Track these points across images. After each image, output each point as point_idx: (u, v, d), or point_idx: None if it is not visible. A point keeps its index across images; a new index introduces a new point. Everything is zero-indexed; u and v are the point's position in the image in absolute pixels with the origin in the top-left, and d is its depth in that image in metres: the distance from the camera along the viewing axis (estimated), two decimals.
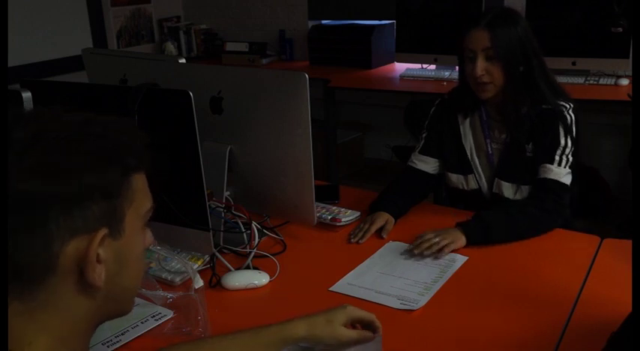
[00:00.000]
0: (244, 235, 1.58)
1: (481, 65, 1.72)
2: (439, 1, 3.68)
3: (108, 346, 1.20)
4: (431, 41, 3.63)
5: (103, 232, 0.70)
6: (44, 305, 0.70)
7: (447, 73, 3.46)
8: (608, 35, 3.15)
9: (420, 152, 1.93)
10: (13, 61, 3.33)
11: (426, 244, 1.55)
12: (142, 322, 1.28)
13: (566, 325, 1.24)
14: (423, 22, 3.72)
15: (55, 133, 0.69)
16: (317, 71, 3.80)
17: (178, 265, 1.46)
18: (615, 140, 3.45)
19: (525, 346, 1.19)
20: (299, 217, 1.63)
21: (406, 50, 3.76)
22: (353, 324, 1.13)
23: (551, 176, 1.71)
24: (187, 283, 1.40)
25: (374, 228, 1.67)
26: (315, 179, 1.52)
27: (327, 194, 1.89)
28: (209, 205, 1.49)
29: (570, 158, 1.73)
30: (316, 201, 1.57)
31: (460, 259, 1.54)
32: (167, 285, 1.43)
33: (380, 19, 4.09)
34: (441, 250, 1.54)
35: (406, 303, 1.35)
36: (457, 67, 1.89)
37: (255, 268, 1.49)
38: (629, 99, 2.88)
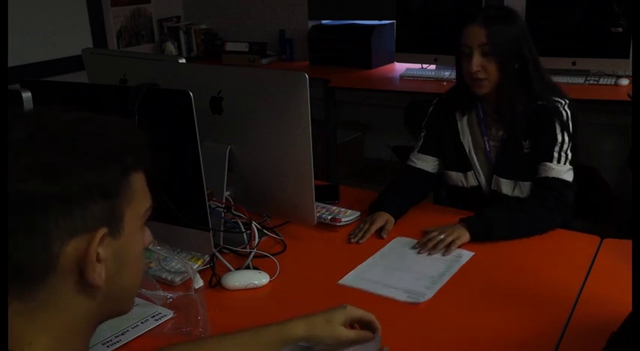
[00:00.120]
0: (244, 235, 1.58)
1: (477, 61, 1.73)
2: (439, 1, 3.68)
3: (108, 346, 1.20)
4: (431, 41, 3.63)
5: (103, 231, 0.70)
6: (44, 305, 0.70)
7: (447, 73, 3.46)
8: (608, 35, 3.14)
9: (419, 151, 1.94)
10: (13, 61, 3.33)
11: (432, 243, 1.58)
12: (142, 322, 1.28)
13: (566, 325, 1.24)
14: (423, 22, 3.72)
15: (53, 132, 0.69)
16: (317, 71, 3.80)
17: (178, 265, 1.46)
18: (615, 140, 3.46)
19: (525, 346, 1.19)
20: (299, 217, 1.63)
21: (406, 50, 3.76)
22: (352, 324, 1.13)
23: (552, 174, 1.71)
24: (187, 283, 1.40)
25: (374, 228, 1.67)
26: (315, 179, 1.52)
27: (327, 194, 1.89)
28: (209, 205, 1.49)
29: (569, 154, 1.73)
30: (316, 201, 1.57)
31: (466, 255, 1.56)
32: (167, 285, 1.43)
33: (380, 19, 4.09)
34: (447, 247, 1.57)
35: (413, 296, 1.37)
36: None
37: (255, 268, 1.49)
38: (629, 99, 2.88)
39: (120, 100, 1.43)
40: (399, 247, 1.63)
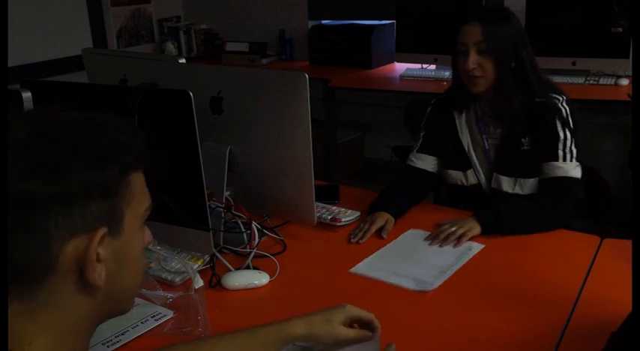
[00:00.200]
0: (244, 235, 1.58)
1: (473, 59, 1.75)
2: (439, 1, 3.68)
3: (108, 346, 1.20)
4: (431, 41, 3.63)
5: (103, 231, 0.70)
6: (44, 305, 0.70)
7: (447, 73, 3.46)
8: (608, 35, 3.14)
9: (418, 151, 1.95)
10: (13, 61, 3.33)
11: (443, 235, 1.62)
12: (142, 322, 1.28)
13: (566, 325, 1.24)
14: (423, 22, 3.72)
15: (53, 132, 0.69)
16: (317, 71, 3.80)
17: (178, 265, 1.46)
18: (615, 140, 3.46)
19: (525, 346, 1.19)
20: (299, 217, 1.63)
21: (406, 50, 3.76)
22: (351, 323, 1.13)
23: (561, 173, 1.73)
24: (187, 283, 1.40)
25: (374, 228, 1.67)
26: (315, 179, 1.52)
27: (327, 194, 1.89)
28: (209, 205, 1.49)
29: (574, 150, 1.75)
30: (316, 201, 1.57)
31: (476, 247, 1.59)
32: (167, 285, 1.43)
33: (380, 19, 4.09)
34: (458, 239, 1.61)
35: (420, 284, 1.42)
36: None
37: (255, 268, 1.49)
38: (629, 99, 2.88)
39: (120, 100, 1.43)
40: (411, 238, 1.67)
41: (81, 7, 4.12)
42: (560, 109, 1.77)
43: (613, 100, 3.05)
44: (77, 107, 0.74)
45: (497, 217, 1.65)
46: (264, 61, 4.36)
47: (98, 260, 0.70)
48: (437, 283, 1.42)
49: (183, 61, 1.71)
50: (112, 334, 1.23)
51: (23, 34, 3.63)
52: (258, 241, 1.55)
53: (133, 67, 1.73)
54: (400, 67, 3.85)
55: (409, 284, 1.42)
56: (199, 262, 1.49)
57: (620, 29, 3.10)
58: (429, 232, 1.68)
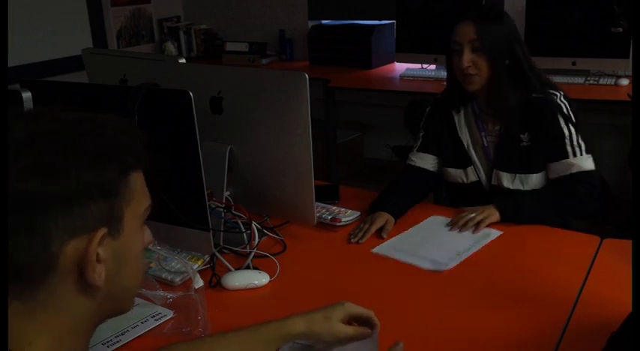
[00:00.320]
0: (244, 235, 1.58)
1: (467, 57, 1.76)
2: (439, 1, 3.68)
3: (108, 346, 1.20)
4: (431, 41, 3.63)
5: (103, 231, 0.70)
6: (44, 305, 0.70)
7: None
8: (608, 35, 3.14)
9: (418, 150, 1.96)
10: (13, 61, 3.33)
11: (462, 221, 1.68)
12: (142, 322, 1.28)
13: (566, 325, 1.24)
14: (423, 22, 3.72)
15: (53, 132, 0.69)
16: (317, 71, 3.80)
17: (178, 265, 1.46)
18: (615, 140, 3.45)
19: (525, 346, 1.19)
20: (299, 217, 1.63)
21: (406, 50, 3.76)
22: (350, 321, 1.13)
23: (574, 170, 1.76)
24: (187, 283, 1.40)
25: (374, 228, 1.67)
26: (315, 179, 1.52)
27: (327, 194, 1.89)
28: (209, 205, 1.49)
29: (582, 143, 1.77)
30: (316, 201, 1.57)
31: (494, 233, 1.65)
32: (167, 285, 1.43)
33: (380, 19, 4.09)
34: (477, 225, 1.66)
35: (436, 265, 1.49)
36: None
37: (255, 268, 1.49)
38: (629, 99, 2.88)
39: (120, 100, 1.43)
40: (433, 224, 1.74)
41: (81, 7, 4.12)
42: (560, 105, 1.78)
43: (613, 100, 3.05)
44: (77, 107, 0.74)
45: (517, 206, 1.69)
46: (264, 61, 4.36)
47: (98, 260, 0.70)
48: (452, 264, 1.49)
49: (183, 61, 1.71)
50: (112, 334, 1.23)
51: (23, 34, 3.63)
52: (258, 241, 1.55)
53: (133, 67, 1.73)
54: (400, 67, 3.85)
55: (426, 264, 1.50)
56: (199, 262, 1.49)
57: (620, 29, 3.10)
58: (449, 219, 1.73)
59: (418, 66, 3.74)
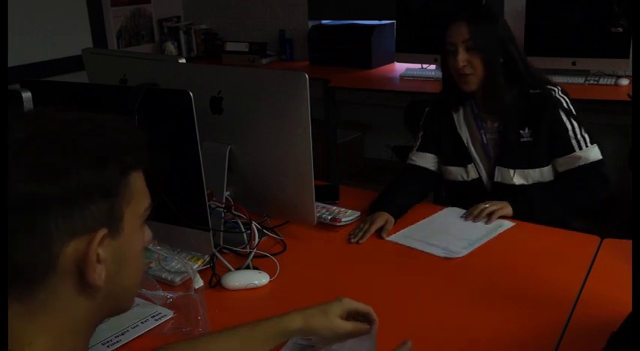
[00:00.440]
0: (244, 235, 1.58)
1: (462, 57, 1.79)
2: (439, 1, 3.68)
3: (108, 346, 1.20)
4: (431, 41, 3.63)
5: (103, 232, 0.70)
6: (44, 306, 0.69)
7: None
8: (608, 35, 3.14)
9: (418, 150, 1.98)
10: (13, 61, 3.33)
11: (477, 211, 1.72)
12: (142, 322, 1.28)
13: (566, 325, 1.24)
14: (423, 22, 3.72)
15: (53, 132, 0.69)
16: (317, 71, 3.80)
17: (178, 265, 1.46)
18: (615, 140, 3.45)
19: (525, 346, 1.19)
20: (299, 217, 1.63)
21: (406, 50, 3.76)
22: (349, 316, 1.13)
23: (581, 162, 1.79)
24: (187, 283, 1.40)
25: (374, 228, 1.67)
26: (315, 179, 1.52)
27: (327, 194, 1.89)
28: (209, 205, 1.49)
29: (586, 135, 1.80)
30: (316, 201, 1.57)
31: (507, 224, 1.70)
32: (167, 285, 1.43)
33: (380, 19, 4.09)
34: (489, 215, 1.70)
35: (448, 253, 1.55)
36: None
37: (255, 268, 1.49)
38: (629, 99, 2.88)
39: (120, 100, 1.43)
40: (448, 215, 1.79)
41: (81, 7, 4.12)
42: (560, 100, 1.81)
43: (613, 100, 3.05)
44: (77, 107, 0.74)
45: (530, 206, 1.72)
46: (264, 61, 4.36)
47: (98, 261, 0.70)
48: (464, 252, 1.54)
49: (183, 61, 1.70)
50: (112, 334, 1.23)
51: (23, 34, 3.63)
52: (258, 241, 1.55)
53: (133, 67, 1.73)
54: (400, 67, 3.85)
55: (438, 252, 1.55)
56: (199, 262, 1.49)
57: (620, 29, 3.10)
58: (464, 211, 1.77)
59: (418, 66, 3.74)
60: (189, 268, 1.36)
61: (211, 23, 4.83)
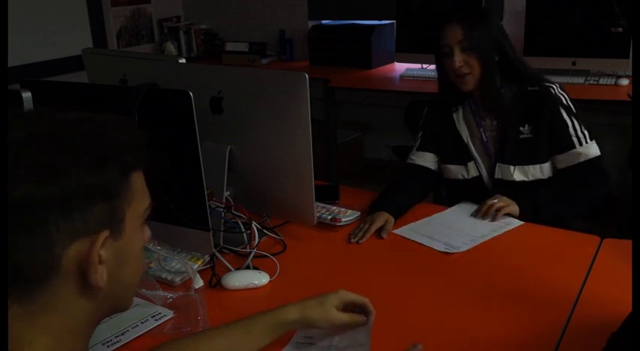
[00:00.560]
0: (244, 235, 1.58)
1: (458, 57, 1.80)
2: (439, 1, 3.67)
3: (108, 346, 1.20)
4: (431, 41, 3.60)
5: (105, 234, 0.70)
6: (44, 308, 0.69)
7: None
8: (608, 35, 3.14)
9: (417, 149, 1.98)
10: (13, 61, 3.33)
11: (485, 208, 1.73)
12: (142, 322, 1.28)
13: (566, 325, 1.24)
14: (423, 22, 3.72)
15: (53, 132, 0.69)
16: (317, 71, 3.80)
17: (178, 265, 1.46)
18: (615, 140, 3.45)
19: (525, 346, 1.19)
20: (299, 217, 1.63)
21: (406, 50, 3.76)
22: (345, 308, 1.15)
23: (582, 159, 1.81)
24: (187, 283, 1.40)
25: (374, 228, 1.67)
26: (315, 179, 1.52)
27: (327, 194, 1.89)
28: (209, 205, 1.49)
29: (585, 131, 1.82)
30: (316, 201, 1.57)
31: (515, 223, 1.71)
32: (167, 285, 1.43)
33: (380, 19, 4.09)
34: (497, 211, 1.71)
35: (449, 247, 1.57)
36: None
37: (255, 268, 1.49)
38: (629, 99, 2.88)
39: (120, 100, 1.43)
40: (459, 211, 1.80)
41: (81, 7, 4.12)
42: (560, 98, 1.83)
43: (613, 100, 3.05)
44: (77, 107, 0.74)
45: (534, 207, 1.74)
46: (264, 61, 4.36)
47: (100, 262, 0.70)
48: (464, 248, 1.56)
49: (183, 61, 1.70)
50: (112, 334, 1.23)
51: (23, 34, 3.63)
52: (258, 241, 1.55)
53: (133, 67, 1.73)
54: (400, 67, 3.85)
55: (439, 247, 1.58)
56: (199, 262, 1.49)
57: (620, 29, 3.10)
58: (475, 206, 1.78)
59: (418, 66, 3.73)
60: (189, 268, 1.36)
61: (211, 23, 4.83)
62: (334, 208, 1.80)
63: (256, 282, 1.43)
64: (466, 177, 1.92)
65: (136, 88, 1.43)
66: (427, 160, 1.96)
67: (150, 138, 0.76)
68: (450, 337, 1.23)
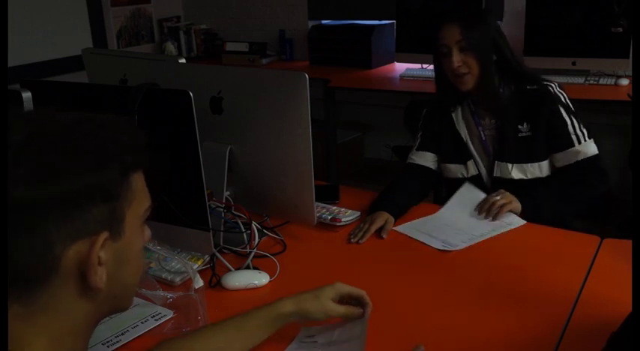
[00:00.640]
0: (244, 235, 1.58)
1: (457, 57, 1.81)
2: (439, 1, 3.68)
3: (108, 346, 1.20)
4: (431, 41, 3.63)
5: (105, 235, 0.70)
6: (44, 309, 0.69)
7: None
8: (608, 35, 3.15)
9: (417, 149, 1.99)
10: (13, 61, 3.33)
11: (487, 205, 1.72)
12: (142, 322, 1.28)
13: (566, 325, 1.24)
14: (423, 22, 3.72)
15: (53, 133, 0.69)
16: (317, 71, 3.80)
17: (178, 265, 1.46)
18: (615, 140, 3.45)
19: (525, 346, 1.19)
20: (299, 217, 1.63)
21: (406, 50, 3.76)
22: (342, 300, 1.16)
23: (580, 157, 1.81)
24: (187, 283, 1.40)
25: (374, 228, 1.67)
26: (315, 179, 1.52)
27: (327, 194, 1.89)
28: (209, 205, 1.49)
29: (584, 130, 1.82)
30: (316, 201, 1.57)
31: (516, 223, 1.70)
32: (167, 285, 1.43)
33: (380, 19, 4.09)
34: (500, 209, 1.70)
35: (446, 245, 1.58)
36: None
37: (255, 268, 1.49)
38: (629, 99, 2.88)
39: (120, 100, 1.43)
40: (462, 203, 1.80)
41: (81, 7, 4.12)
42: (559, 96, 1.84)
43: (613, 100, 3.05)
44: (77, 107, 0.74)
45: (536, 206, 1.74)
46: (264, 61, 4.36)
47: (100, 263, 0.70)
48: (462, 246, 1.57)
49: (183, 61, 1.70)
50: (112, 334, 1.23)
51: (23, 34, 3.63)
52: (258, 241, 1.55)
53: (133, 67, 1.73)
54: (400, 67, 3.85)
55: (437, 245, 1.59)
56: (199, 262, 1.49)
57: (620, 29, 3.10)
58: (482, 193, 1.79)
59: (418, 66, 3.73)
60: (189, 268, 1.36)
61: (211, 23, 4.83)
62: (334, 208, 1.80)
63: (256, 282, 1.43)
64: (465, 176, 1.92)
65: (136, 88, 1.43)
66: (427, 159, 1.97)
67: (150, 138, 0.76)
68: (450, 337, 1.23)
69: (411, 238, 1.65)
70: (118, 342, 1.21)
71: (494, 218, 1.70)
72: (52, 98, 1.59)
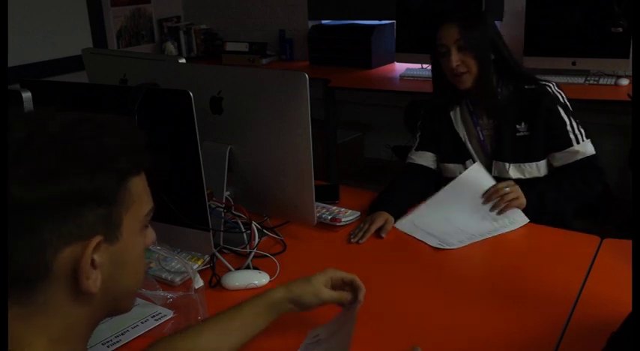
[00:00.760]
0: (244, 235, 1.58)
1: (455, 57, 1.82)
2: (439, 1, 3.67)
3: (108, 346, 1.20)
4: (431, 41, 3.63)
5: (97, 239, 0.69)
6: (43, 309, 0.69)
7: None
8: (608, 35, 3.15)
9: (416, 149, 2.00)
10: (13, 61, 3.33)
11: (496, 195, 1.70)
12: (142, 322, 1.28)
13: (566, 325, 1.24)
14: (423, 22, 3.71)
15: (52, 134, 0.68)
16: (317, 71, 3.80)
17: (178, 265, 1.46)
18: (615, 140, 3.45)
19: (525, 346, 1.19)
20: (299, 217, 1.63)
21: (406, 50, 3.76)
22: (334, 285, 1.17)
23: (579, 156, 1.82)
24: (187, 283, 1.40)
25: (374, 228, 1.67)
26: (315, 179, 1.52)
27: (327, 194, 1.89)
28: (209, 205, 1.49)
29: (582, 130, 1.83)
30: (316, 201, 1.57)
31: (521, 221, 1.69)
32: (167, 285, 1.43)
33: (380, 19, 4.09)
34: (509, 203, 1.69)
35: (442, 244, 1.58)
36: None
37: (255, 268, 1.49)
38: (629, 99, 2.88)
39: (120, 100, 1.43)
40: (473, 180, 1.75)
41: (81, 7, 4.12)
42: (557, 96, 1.84)
43: (613, 100, 3.05)
44: (77, 107, 0.73)
45: (541, 201, 1.73)
46: (264, 61, 4.36)
47: (94, 266, 0.70)
48: (458, 245, 1.57)
49: (183, 61, 1.70)
50: (112, 334, 1.23)
51: (23, 34, 3.63)
52: (258, 241, 1.55)
53: (133, 67, 1.73)
54: (400, 67, 3.85)
55: (433, 242, 1.59)
56: (199, 262, 1.49)
57: (620, 29, 3.10)
58: (490, 180, 1.74)
59: (418, 66, 3.73)
60: (189, 268, 1.36)
61: (211, 23, 4.83)
62: (334, 208, 1.80)
63: (256, 282, 1.43)
64: None
65: (136, 88, 1.43)
66: (427, 159, 1.97)
67: (150, 138, 0.76)
68: (450, 336, 1.23)
69: (409, 235, 1.65)
70: (118, 342, 1.21)
71: (499, 213, 1.70)
72: (52, 98, 1.59)
